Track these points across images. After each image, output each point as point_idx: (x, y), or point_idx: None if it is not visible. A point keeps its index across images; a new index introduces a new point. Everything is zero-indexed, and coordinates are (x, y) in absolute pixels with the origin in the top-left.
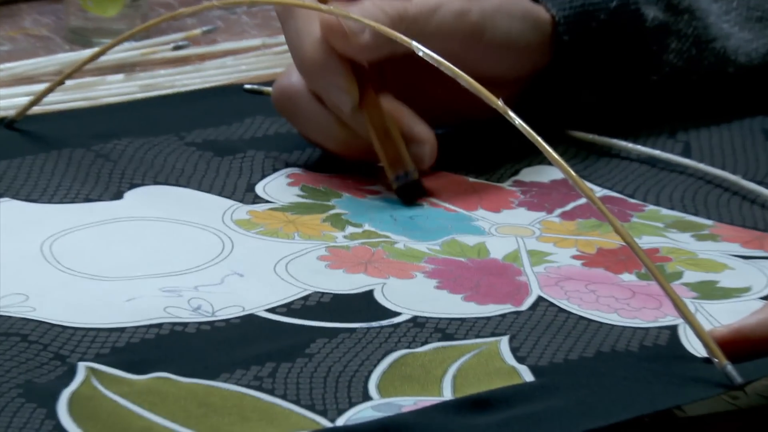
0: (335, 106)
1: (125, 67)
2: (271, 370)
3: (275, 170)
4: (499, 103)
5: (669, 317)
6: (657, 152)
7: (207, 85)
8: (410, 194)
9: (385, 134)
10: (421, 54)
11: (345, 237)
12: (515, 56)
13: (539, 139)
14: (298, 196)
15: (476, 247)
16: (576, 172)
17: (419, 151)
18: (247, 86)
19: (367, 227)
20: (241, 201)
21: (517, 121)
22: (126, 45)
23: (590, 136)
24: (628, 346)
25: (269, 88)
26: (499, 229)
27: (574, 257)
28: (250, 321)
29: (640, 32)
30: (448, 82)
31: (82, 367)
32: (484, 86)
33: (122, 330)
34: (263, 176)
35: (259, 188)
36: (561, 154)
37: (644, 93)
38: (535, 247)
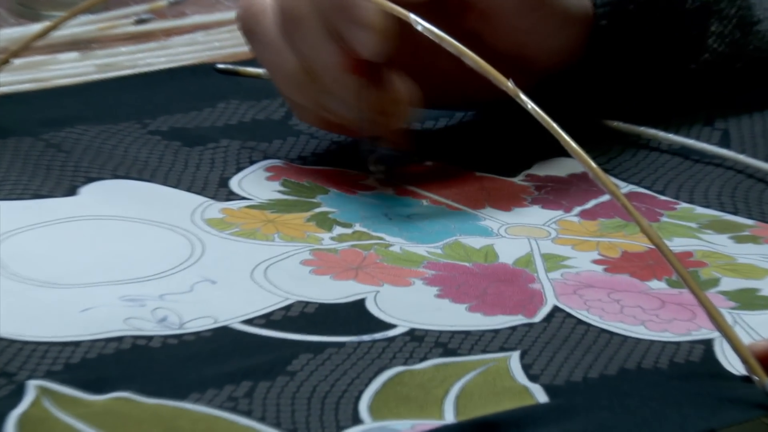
0: (328, 60)
1: (80, 44)
2: (247, 390)
3: (252, 162)
4: (510, 84)
5: (703, 330)
6: (691, 142)
7: (174, 65)
8: (389, 165)
9: (376, 96)
10: (420, 29)
11: (332, 239)
12: (566, 32)
13: (555, 125)
14: (279, 192)
15: (483, 251)
16: (598, 165)
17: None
18: (220, 66)
19: (357, 228)
20: (213, 198)
21: (530, 104)
22: (81, 18)
23: (614, 123)
24: (657, 362)
25: (245, 68)
26: (509, 229)
27: (596, 262)
28: (223, 334)
29: (679, 14)
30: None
31: (31, 385)
32: (520, 66)
33: (77, 344)
34: (238, 169)
35: (234, 183)
36: (581, 144)
37: (682, 81)
38: (550, 250)
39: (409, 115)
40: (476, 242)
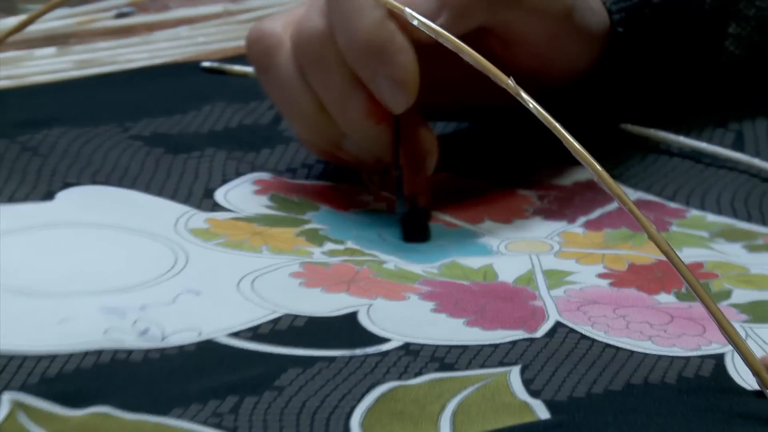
0: (352, 107)
1: (57, 39)
2: (233, 405)
3: (239, 174)
4: (510, 82)
5: (714, 345)
6: (703, 145)
7: (157, 62)
8: (416, 225)
9: (409, 150)
10: (416, 23)
11: (323, 253)
12: (589, 52)
13: (558, 126)
14: (267, 207)
15: (481, 270)
16: (607, 171)
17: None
18: (206, 64)
19: (350, 245)
20: (198, 207)
21: (532, 104)
22: (59, 12)
23: (622, 126)
24: (664, 377)
25: (232, 66)
26: (509, 245)
27: (601, 276)
28: (208, 347)
29: (696, 16)
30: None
31: (5, 399)
32: (535, 81)
33: (54, 356)
34: (224, 181)
35: (219, 195)
36: (587, 148)
37: (697, 85)
38: (553, 265)
39: (434, 166)
40: (474, 262)
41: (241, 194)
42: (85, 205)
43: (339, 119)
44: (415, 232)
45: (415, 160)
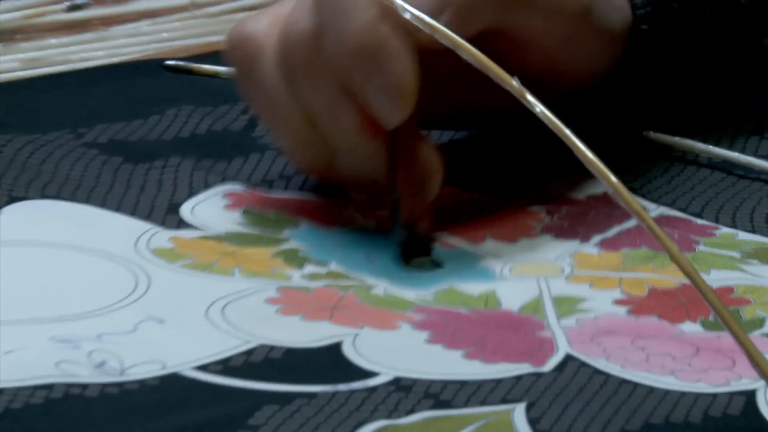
0: (343, 121)
1: (2, 35)
2: None
3: (207, 186)
4: (515, 83)
5: (745, 380)
6: (735, 155)
7: (114, 61)
8: (415, 251)
9: (408, 170)
10: (408, 16)
11: (303, 277)
12: (609, 53)
13: (567, 132)
14: (239, 224)
15: (482, 297)
16: (621, 181)
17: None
18: (170, 62)
19: (333, 267)
20: (161, 225)
21: (539, 107)
22: (3, 4)
23: (643, 134)
24: (688, 416)
25: (200, 65)
26: (514, 269)
27: (618, 302)
28: (173, 382)
29: (731, 10)
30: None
31: None
32: (547, 85)
33: (0, 392)
34: (191, 194)
35: (186, 210)
36: (603, 158)
37: (730, 89)
38: (563, 291)
39: (438, 189)
40: (474, 289)
41: (210, 209)
42: (34, 222)
43: (329, 133)
44: (413, 256)
45: (416, 181)
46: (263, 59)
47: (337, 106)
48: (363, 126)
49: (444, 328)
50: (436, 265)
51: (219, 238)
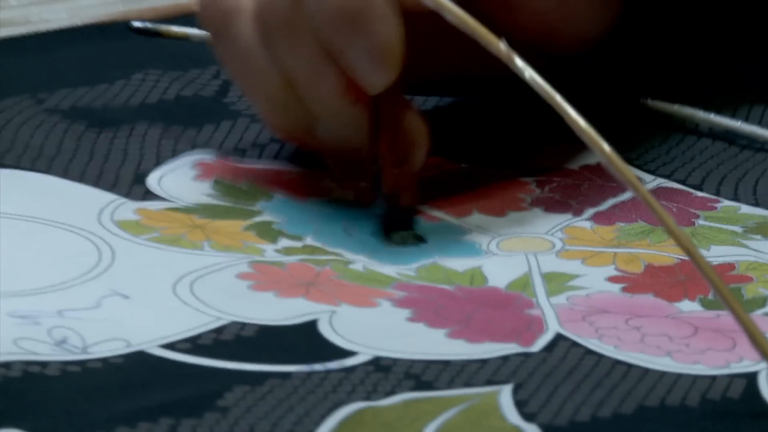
0: (323, 85)
1: None
2: (168, 429)
3: (176, 155)
4: (502, 46)
5: (746, 361)
6: (738, 124)
7: (77, 23)
8: (397, 224)
9: (391, 138)
10: None
11: (277, 251)
12: (605, 13)
13: (558, 98)
14: (209, 195)
15: (468, 274)
16: (619, 153)
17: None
18: (137, 24)
19: (309, 241)
20: (127, 196)
21: (528, 72)
22: None
23: (641, 102)
24: (685, 399)
25: (169, 27)
26: (502, 243)
27: (612, 279)
28: (138, 360)
29: None
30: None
31: None
32: (538, 50)
33: None
34: (158, 163)
35: (153, 180)
36: (599, 127)
37: (735, 53)
38: (554, 267)
39: (423, 159)
40: (460, 264)
41: (179, 179)
42: None
43: (308, 98)
44: (394, 229)
45: (399, 151)
46: (239, 18)
47: (318, 69)
48: (344, 91)
49: (426, 306)
50: (419, 239)
51: (188, 210)
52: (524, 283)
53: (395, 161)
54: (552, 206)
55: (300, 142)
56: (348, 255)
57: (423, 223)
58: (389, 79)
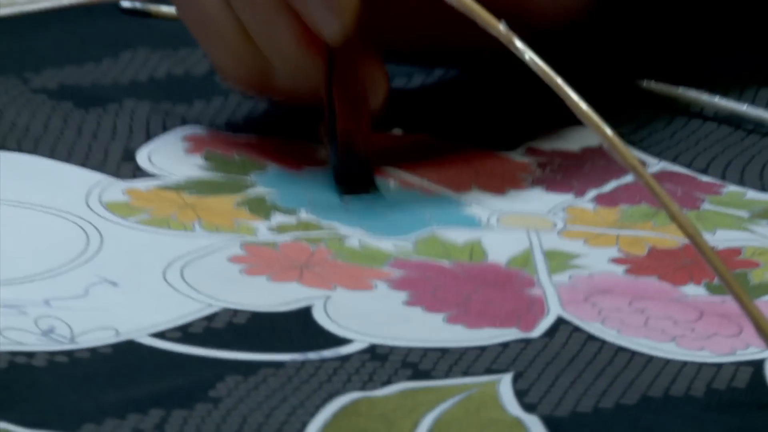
0: (280, 35)
1: None
2: (158, 421)
3: (166, 129)
4: (502, 27)
5: (752, 348)
6: (744, 107)
7: (65, 3)
8: (355, 180)
9: (346, 89)
10: None
11: (270, 229)
12: None
13: (560, 81)
14: (201, 168)
15: (467, 247)
16: (623, 136)
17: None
18: (126, 4)
19: (303, 216)
20: (115, 175)
21: (528, 54)
22: None
23: (644, 84)
24: (690, 389)
25: (158, 7)
26: (502, 219)
27: (615, 261)
28: (127, 350)
29: None
30: None
31: None
32: (518, 22)
33: None
34: (148, 138)
35: (142, 156)
36: (600, 109)
37: (740, 30)
38: (556, 245)
39: (380, 104)
40: (458, 236)
41: (169, 154)
42: None
43: (265, 48)
44: (350, 183)
45: (356, 101)
46: None
47: (275, 18)
48: (302, 41)
49: (424, 287)
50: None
51: (178, 187)
52: (525, 259)
53: (350, 106)
54: (553, 186)
55: (256, 91)
56: (343, 229)
57: (419, 195)
58: (346, 29)
